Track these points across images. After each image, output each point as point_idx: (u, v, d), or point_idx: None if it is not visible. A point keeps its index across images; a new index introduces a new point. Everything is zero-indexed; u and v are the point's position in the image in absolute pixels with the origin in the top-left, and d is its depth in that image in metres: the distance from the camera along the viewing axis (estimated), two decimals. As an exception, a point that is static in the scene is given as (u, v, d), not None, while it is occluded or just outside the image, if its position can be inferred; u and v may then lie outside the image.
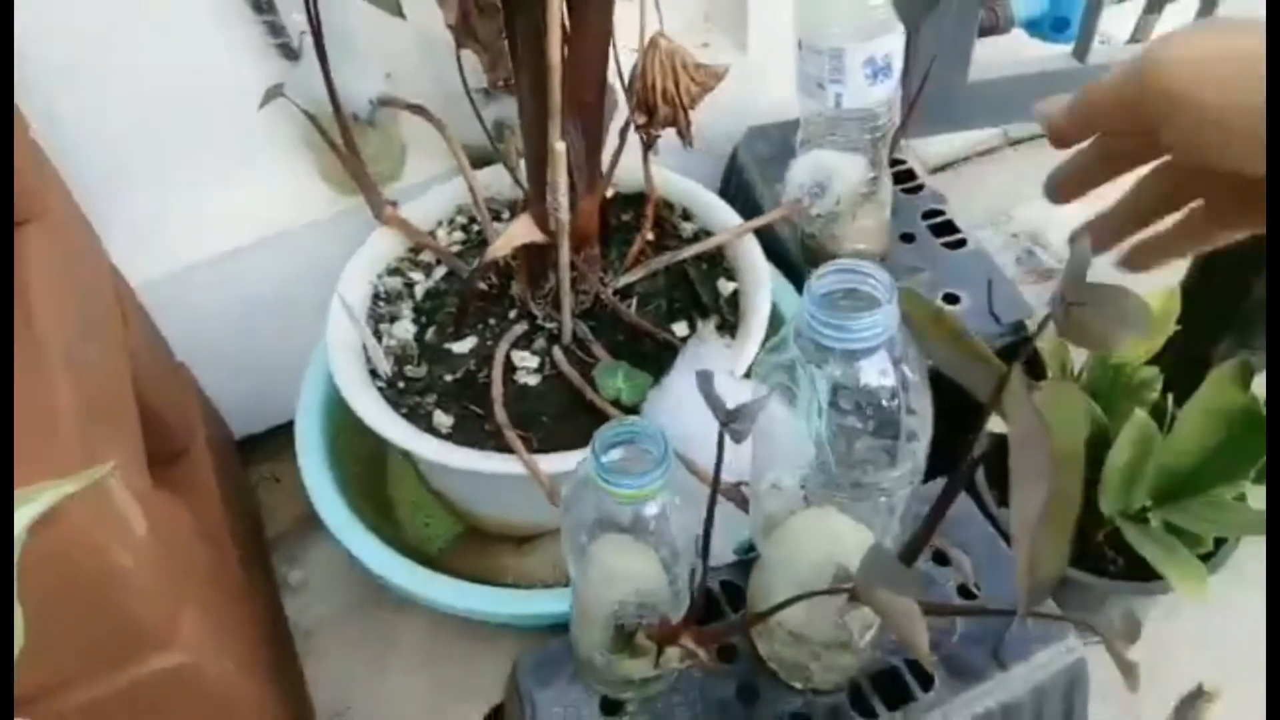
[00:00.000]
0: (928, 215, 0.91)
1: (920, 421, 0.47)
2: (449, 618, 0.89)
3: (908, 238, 0.89)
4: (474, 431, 0.71)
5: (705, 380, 0.46)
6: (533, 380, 0.73)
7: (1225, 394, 0.67)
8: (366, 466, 0.89)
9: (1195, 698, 0.45)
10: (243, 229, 0.87)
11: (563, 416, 0.71)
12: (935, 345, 0.46)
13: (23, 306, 0.60)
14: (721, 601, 0.68)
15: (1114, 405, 0.72)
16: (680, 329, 0.76)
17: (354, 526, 0.76)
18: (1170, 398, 0.74)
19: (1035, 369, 0.91)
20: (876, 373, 0.44)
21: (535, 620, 0.72)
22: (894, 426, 0.45)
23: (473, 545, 0.83)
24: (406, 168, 0.92)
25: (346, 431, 0.87)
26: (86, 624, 0.56)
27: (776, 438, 0.50)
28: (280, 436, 0.97)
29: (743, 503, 0.61)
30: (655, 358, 0.73)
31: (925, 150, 1.23)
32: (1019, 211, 1.18)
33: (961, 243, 0.89)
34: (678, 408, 0.65)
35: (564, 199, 0.62)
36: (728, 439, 0.46)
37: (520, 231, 0.68)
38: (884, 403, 0.45)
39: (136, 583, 0.58)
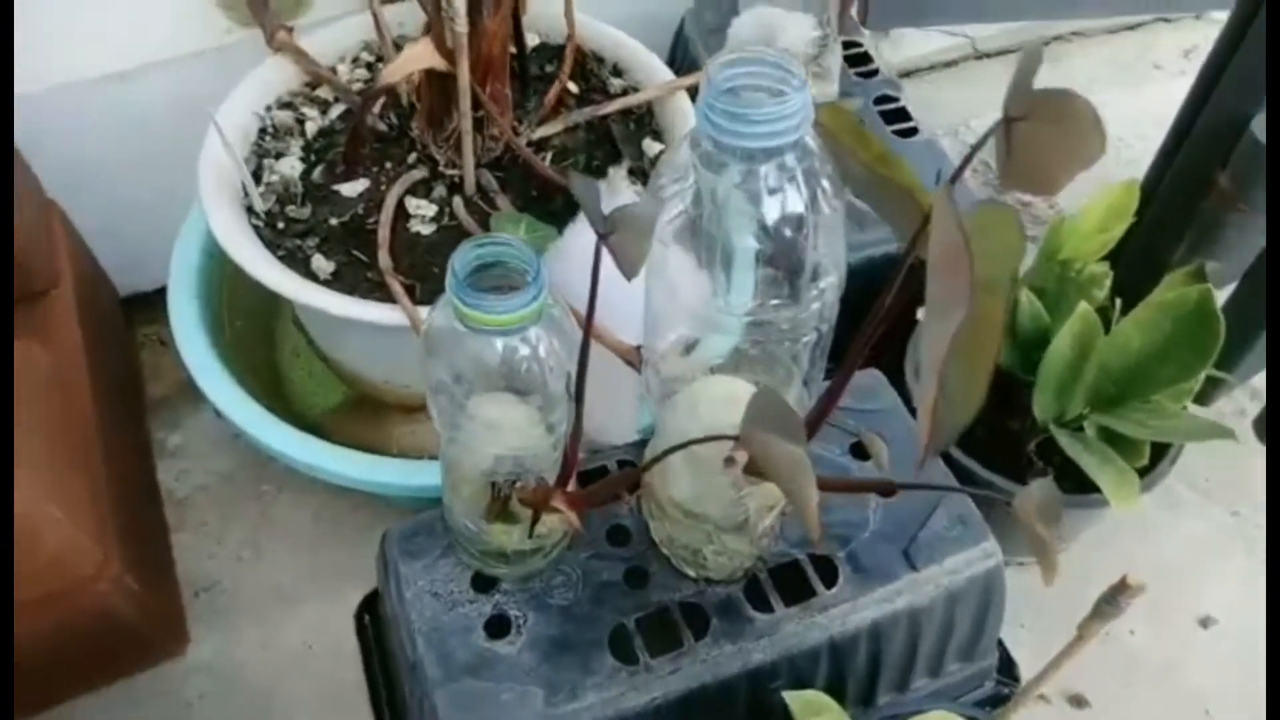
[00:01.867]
0: (880, 101, 0.84)
1: (830, 257, 0.40)
2: (336, 497, 0.83)
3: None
4: (357, 280, 0.64)
5: (587, 188, 0.39)
6: (427, 229, 0.66)
7: (1178, 291, 0.61)
8: (253, 329, 0.82)
9: (1119, 591, 0.40)
10: (124, 51, 0.78)
11: (458, 271, 0.64)
12: (856, 168, 0.40)
13: None
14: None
15: (1059, 305, 0.67)
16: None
17: (224, 381, 0.69)
18: (1119, 303, 0.68)
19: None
20: (783, 182, 0.37)
21: (418, 492, 0.66)
22: (798, 255, 0.39)
23: (360, 414, 0.76)
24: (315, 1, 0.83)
25: (231, 291, 0.79)
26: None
27: (671, 283, 0.44)
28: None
29: (640, 364, 0.55)
30: (567, 215, 0.66)
31: (888, 57, 1.16)
32: (978, 123, 1.11)
33: (913, 131, 0.82)
34: (581, 262, 0.59)
35: (461, 4, 0.54)
36: (615, 272, 0.39)
37: (417, 54, 0.60)
38: (788, 230, 0.39)
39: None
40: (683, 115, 0.71)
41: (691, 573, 0.57)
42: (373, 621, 0.75)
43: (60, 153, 0.79)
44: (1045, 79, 0.36)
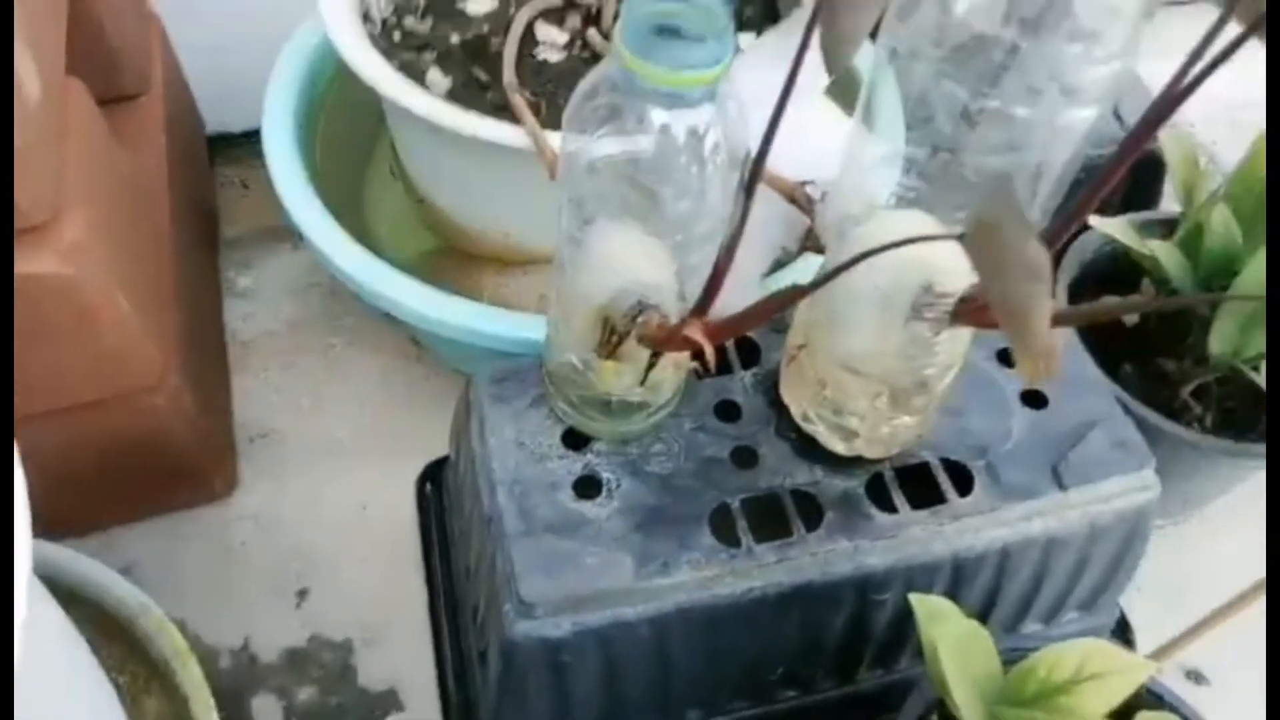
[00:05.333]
0: None
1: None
2: (408, 361, 0.77)
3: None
4: (475, 99, 0.58)
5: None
6: (556, 57, 0.60)
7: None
8: (345, 173, 0.76)
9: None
10: None
11: (584, 104, 0.58)
12: None
13: None
14: (733, 359, 0.56)
15: (1253, 228, 0.59)
16: (747, 41, 0.62)
17: (312, 206, 0.64)
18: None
19: (1151, 179, 0.77)
20: None
21: (509, 346, 0.60)
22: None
23: (449, 264, 0.70)
24: None
25: (326, 129, 0.74)
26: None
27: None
28: (257, 143, 0.84)
29: (808, 205, 0.48)
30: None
31: None
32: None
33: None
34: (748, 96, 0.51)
35: None
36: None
37: None
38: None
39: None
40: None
41: (842, 448, 0.51)
42: (435, 491, 0.70)
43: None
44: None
